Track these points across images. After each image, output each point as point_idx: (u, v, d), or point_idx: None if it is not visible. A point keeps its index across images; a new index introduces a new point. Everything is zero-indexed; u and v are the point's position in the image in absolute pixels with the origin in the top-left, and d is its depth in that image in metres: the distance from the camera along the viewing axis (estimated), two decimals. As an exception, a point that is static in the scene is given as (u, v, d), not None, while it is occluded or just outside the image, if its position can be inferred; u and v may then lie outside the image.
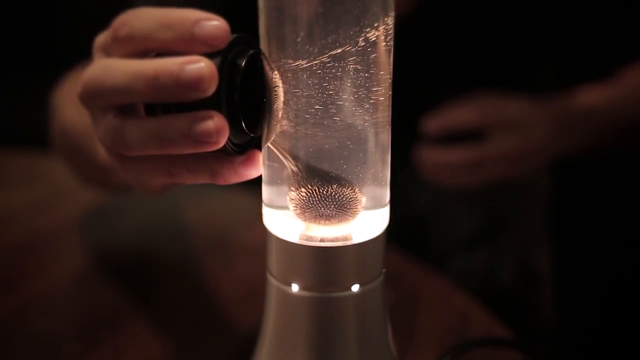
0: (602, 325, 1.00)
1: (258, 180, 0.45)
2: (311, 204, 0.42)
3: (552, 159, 0.86)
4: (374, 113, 0.41)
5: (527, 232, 0.91)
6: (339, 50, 0.39)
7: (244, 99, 0.40)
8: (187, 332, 0.60)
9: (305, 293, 0.43)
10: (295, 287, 0.43)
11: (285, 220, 0.43)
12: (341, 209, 0.42)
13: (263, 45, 0.41)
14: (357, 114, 0.41)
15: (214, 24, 0.39)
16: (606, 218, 1.02)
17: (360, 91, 0.40)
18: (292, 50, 0.39)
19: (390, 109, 0.43)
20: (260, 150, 0.43)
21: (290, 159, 0.42)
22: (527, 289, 0.88)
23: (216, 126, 0.38)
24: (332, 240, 0.42)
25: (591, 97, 0.86)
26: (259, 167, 0.42)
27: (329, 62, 0.39)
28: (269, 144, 0.42)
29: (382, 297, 0.46)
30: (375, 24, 0.40)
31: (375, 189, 0.43)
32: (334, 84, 0.40)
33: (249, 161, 0.42)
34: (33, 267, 0.70)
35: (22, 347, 0.59)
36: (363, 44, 0.40)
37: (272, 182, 0.43)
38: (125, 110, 0.43)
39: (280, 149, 0.42)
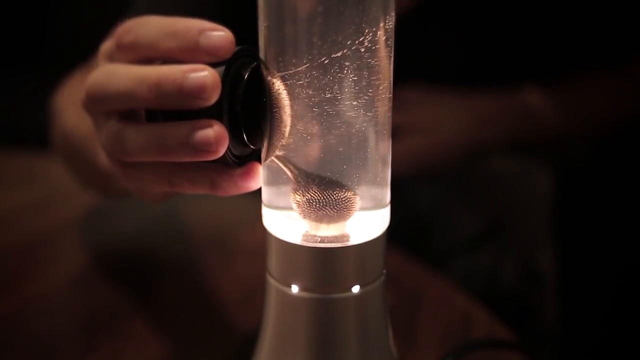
0: (606, 327, 1.00)
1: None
2: (312, 205, 0.42)
3: (471, 152, 0.87)
4: (375, 113, 0.41)
5: (530, 233, 0.90)
6: (339, 53, 0.39)
7: (245, 111, 0.40)
8: (186, 333, 0.60)
9: (305, 294, 0.43)
10: (295, 288, 0.43)
11: (285, 221, 0.43)
12: (341, 209, 0.42)
13: (262, 50, 0.41)
14: (357, 114, 0.41)
15: (219, 34, 0.39)
16: (610, 219, 1.02)
17: (361, 92, 0.40)
18: (292, 52, 0.39)
19: (391, 107, 0.42)
20: (260, 162, 0.43)
21: (292, 168, 0.41)
22: (530, 290, 0.88)
23: (216, 135, 0.38)
24: (332, 241, 0.42)
25: (533, 98, 0.89)
26: (258, 180, 0.42)
27: (328, 65, 0.39)
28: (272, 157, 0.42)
29: (383, 298, 0.45)
30: (375, 26, 0.39)
31: (375, 189, 0.43)
32: (334, 85, 0.39)
33: (249, 174, 0.42)
34: (31, 268, 0.70)
35: (19, 348, 0.58)
36: (363, 45, 0.39)
37: (272, 183, 0.43)
38: (127, 116, 0.43)
39: (281, 158, 0.41)
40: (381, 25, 0.40)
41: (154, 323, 0.61)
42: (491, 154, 0.89)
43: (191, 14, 0.42)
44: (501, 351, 0.57)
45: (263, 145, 0.42)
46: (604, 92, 0.92)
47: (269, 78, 0.40)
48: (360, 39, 0.39)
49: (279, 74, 0.40)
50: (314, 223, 0.42)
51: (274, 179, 0.43)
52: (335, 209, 0.42)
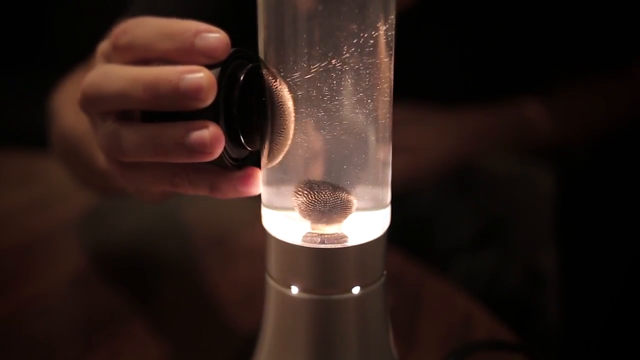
0: (608, 328, 1.00)
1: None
2: (312, 205, 0.41)
3: (455, 167, 0.87)
4: (375, 114, 0.41)
5: (532, 234, 0.90)
6: (340, 56, 0.39)
7: (242, 112, 0.40)
8: (186, 334, 0.59)
9: (305, 295, 0.42)
10: (295, 290, 0.42)
11: (285, 222, 0.43)
12: (341, 209, 0.41)
13: (262, 52, 0.40)
14: (358, 115, 0.40)
15: (215, 36, 0.39)
16: (612, 219, 1.02)
17: (362, 93, 0.40)
18: (292, 55, 0.39)
19: (392, 108, 0.42)
20: (260, 167, 0.42)
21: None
22: (532, 291, 0.88)
23: (211, 136, 0.38)
24: (332, 242, 0.42)
25: (532, 109, 0.89)
26: (257, 186, 0.42)
27: (329, 66, 0.39)
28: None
29: (384, 299, 0.45)
30: (376, 28, 0.39)
31: (376, 189, 0.42)
32: (334, 87, 0.39)
33: (248, 178, 0.42)
34: (29, 269, 0.70)
35: (17, 349, 0.58)
36: (364, 47, 0.39)
37: (272, 183, 0.43)
38: (124, 116, 0.43)
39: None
40: (382, 27, 0.39)
41: (153, 324, 0.61)
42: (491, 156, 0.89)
43: (190, 15, 0.42)
44: (503, 353, 0.57)
45: (263, 149, 0.42)
46: (603, 97, 0.92)
47: (270, 79, 0.40)
48: (361, 42, 0.39)
49: (279, 76, 0.39)
50: (313, 223, 0.42)
51: (274, 179, 0.42)
52: (335, 208, 0.41)
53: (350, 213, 0.42)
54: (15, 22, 1.44)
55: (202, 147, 0.38)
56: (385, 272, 0.45)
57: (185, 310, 0.64)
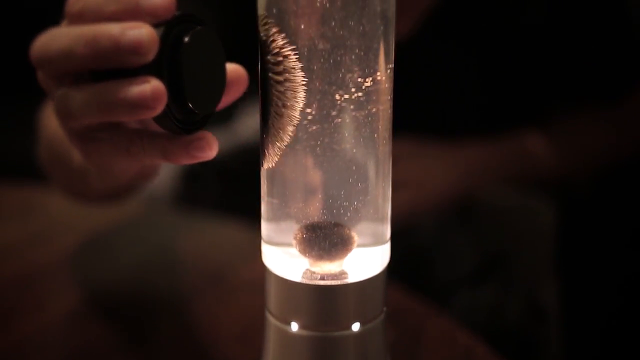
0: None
1: (255, 214, 0.44)
2: (312, 245, 0.41)
3: (456, 201, 0.87)
4: (375, 150, 0.41)
5: (533, 267, 0.90)
6: (339, 96, 0.39)
7: (189, 74, 0.41)
8: (184, 371, 0.59)
9: (305, 332, 0.42)
10: (294, 326, 0.42)
11: (284, 258, 0.42)
12: (341, 247, 0.41)
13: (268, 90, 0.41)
14: (357, 151, 0.40)
15: None
16: (614, 252, 1.01)
17: (360, 129, 0.40)
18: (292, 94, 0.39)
19: (391, 142, 0.42)
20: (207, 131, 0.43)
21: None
22: (534, 327, 0.87)
23: (152, 89, 0.38)
24: (332, 279, 0.41)
25: (533, 142, 0.89)
26: (209, 149, 0.42)
27: (329, 103, 0.39)
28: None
29: (384, 335, 0.45)
30: (376, 71, 0.39)
31: (375, 225, 0.42)
32: (333, 124, 0.40)
33: (199, 142, 0.42)
34: (28, 303, 0.69)
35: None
36: (363, 87, 0.39)
37: (272, 219, 0.43)
38: (77, 82, 0.43)
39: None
40: (382, 69, 0.40)
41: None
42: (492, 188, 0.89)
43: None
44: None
45: (262, 146, 0.42)
46: (604, 129, 0.93)
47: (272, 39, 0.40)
48: (360, 82, 0.39)
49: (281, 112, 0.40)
50: (313, 260, 0.42)
51: (274, 215, 0.42)
52: (335, 247, 0.41)
53: (351, 251, 0.42)
54: (15, 52, 1.44)
55: (143, 101, 0.38)
56: (385, 308, 0.44)
57: (183, 345, 0.63)
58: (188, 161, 0.42)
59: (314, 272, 0.42)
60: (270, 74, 0.40)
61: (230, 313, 0.68)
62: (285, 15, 0.39)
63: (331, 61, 0.39)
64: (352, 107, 0.39)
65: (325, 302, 0.41)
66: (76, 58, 0.40)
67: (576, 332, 0.93)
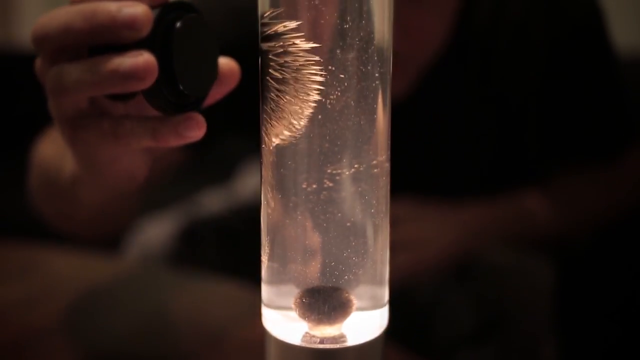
0: None
1: (254, 273, 0.45)
2: (311, 310, 0.41)
3: (455, 262, 0.88)
4: (374, 215, 0.41)
5: (533, 326, 0.89)
6: (338, 171, 0.40)
7: (181, 56, 0.43)
8: None
9: (304, 396, 0.42)
10: (294, 390, 0.42)
11: (284, 321, 0.42)
12: (341, 313, 0.41)
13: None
14: (356, 216, 0.41)
15: None
16: (613, 309, 1.01)
17: (359, 199, 0.41)
18: (292, 177, 0.40)
19: (388, 207, 0.43)
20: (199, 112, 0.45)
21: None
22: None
23: (144, 61, 0.41)
24: (331, 342, 0.41)
25: (532, 202, 0.90)
26: (198, 129, 0.44)
27: (329, 179, 0.40)
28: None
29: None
30: (373, 130, 0.40)
31: (374, 289, 0.43)
32: (332, 195, 0.40)
33: (189, 122, 0.44)
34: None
35: None
36: (360, 168, 0.40)
37: (272, 283, 0.43)
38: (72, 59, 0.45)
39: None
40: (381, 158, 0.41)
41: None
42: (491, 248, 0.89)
43: None
44: None
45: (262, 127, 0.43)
46: (601, 187, 0.93)
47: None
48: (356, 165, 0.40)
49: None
50: (313, 324, 0.42)
51: (275, 279, 0.42)
52: (334, 312, 0.41)
53: (350, 315, 0.42)
54: (13, 107, 1.45)
55: (135, 72, 0.40)
56: (384, 371, 0.44)
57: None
58: (177, 142, 0.44)
59: (313, 336, 0.42)
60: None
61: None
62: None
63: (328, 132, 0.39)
64: (349, 180, 0.40)
65: (324, 365, 0.41)
66: (74, 32, 0.43)
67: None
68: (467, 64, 0.88)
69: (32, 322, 0.78)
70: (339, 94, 0.39)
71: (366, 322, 0.43)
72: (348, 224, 0.41)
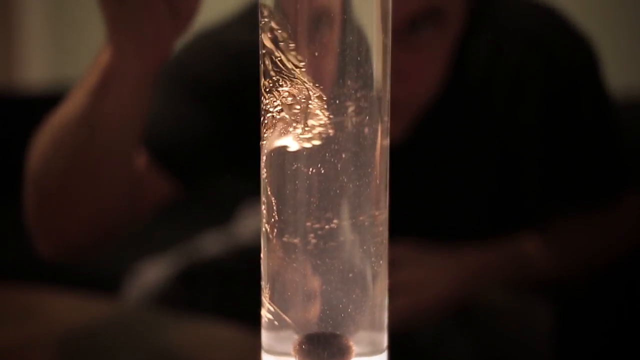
0: None
1: (254, 316, 0.45)
2: (311, 353, 0.41)
3: (454, 306, 0.88)
4: (372, 263, 0.42)
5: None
6: (337, 220, 0.41)
7: None
8: None
9: None
10: None
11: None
12: (340, 357, 0.42)
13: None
14: (355, 263, 0.41)
15: None
16: (613, 351, 1.01)
17: (358, 248, 0.41)
18: (293, 215, 0.41)
19: (387, 254, 0.43)
20: None
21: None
22: None
23: None
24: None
25: (529, 246, 0.91)
26: None
27: (325, 231, 0.41)
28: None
29: None
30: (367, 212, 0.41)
31: (373, 334, 0.43)
32: (331, 246, 0.41)
33: None
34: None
35: None
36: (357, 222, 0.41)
37: (272, 329, 0.43)
38: None
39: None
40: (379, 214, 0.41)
41: None
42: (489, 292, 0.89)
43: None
44: None
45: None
46: (598, 230, 0.94)
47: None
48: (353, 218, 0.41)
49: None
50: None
51: (274, 325, 0.43)
52: (332, 357, 0.41)
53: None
54: (11, 148, 1.46)
55: None
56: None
57: None
58: None
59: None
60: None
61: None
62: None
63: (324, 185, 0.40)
64: (346, 233, 0.41)
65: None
66: None
67: None
68: (463, 109, 0.89)
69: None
70: (337, 143, 0.40)
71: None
72: (347, 271, 0.41)
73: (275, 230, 0.41)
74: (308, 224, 0.41)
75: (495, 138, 0.90)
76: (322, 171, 0.40)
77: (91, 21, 2.21)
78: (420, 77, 0.81)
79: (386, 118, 0.42)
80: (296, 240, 0.41)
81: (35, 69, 2.33)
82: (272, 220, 0.42)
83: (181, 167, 0.84)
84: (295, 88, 0.40)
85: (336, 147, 0.40)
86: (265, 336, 0.43)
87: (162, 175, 0.83)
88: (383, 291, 0.43)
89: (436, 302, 0.85)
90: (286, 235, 0.41)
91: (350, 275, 0.41)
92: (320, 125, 0.40)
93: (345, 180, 0.41)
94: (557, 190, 0.93)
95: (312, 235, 0.41)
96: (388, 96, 0.42)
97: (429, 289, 0.85)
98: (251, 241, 1.05)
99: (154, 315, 0.91)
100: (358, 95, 0.40)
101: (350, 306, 0.41)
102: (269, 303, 0.43)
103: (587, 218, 0.92)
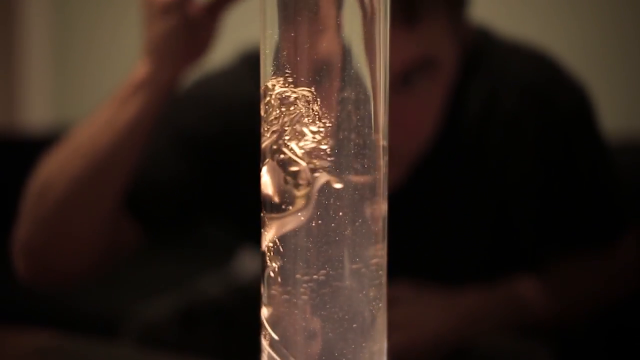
0: None
1: (252, 358, 0.45)
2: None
3: (450, 348, 0.87)
4: (371, 307, 0.43)
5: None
6: (337, 265, 0.41)
7: None
8: None
9: None
10: None
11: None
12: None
13: None
14: (351, 301, 0.42)
15: None
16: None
17: (356, 294, 0.42)
18: (291, 264, 0.42)
19: (386, 298, 0.44)
20: None
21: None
22: None
23: None
24: None
25: (526, 289, 0.91)
26: None
27: (325, 276, 0.41)
28: None
29: None
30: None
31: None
32: (331, 291, 0.42)
33: None
34: None
35: None
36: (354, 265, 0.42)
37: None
38: None
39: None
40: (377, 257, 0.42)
41: None
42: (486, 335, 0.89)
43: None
44: None
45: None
46: (595, 272, 0.94)
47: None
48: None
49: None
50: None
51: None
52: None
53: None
54: (11, 189, 1.46)
55: None
56: None
57: None
58: None
59: None
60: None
61: None
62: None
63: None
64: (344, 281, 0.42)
65: None
66: None
67: None
68: (458, 155, 0.89)
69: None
70: (336, 190, 0.41)
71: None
72: (346, 316, 0.42)
73: (275, 274, 0.42)
74: (307, 269, 0.41)
75: (490, 184, 0.90)
76: (320, 222, 0.41)
77: (92, 65, 2.24)
78: (415, 125, 0.82)
79: (385, 167, 0.43)
80: (295, 285, 0.41)
81: (36, 111, 2.35)
82: (272, 265, 0.42)
83: (143, 212, 0.85)
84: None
85: (335, 196, 0.41)
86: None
87: (126, 219, 0.84)
88: (382, 335, 0.43)
89: (432, 340, 0.85)
90: (286, 280, 0.42)
91: (350, 319, 0.42)
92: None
93: (344, 230, 0.41)
94: (553, 236, 0.93)
95: (311, 280, 0.41)
96: (387, 142, 0.43)
97: (426, 326, 0.85)
98: (251, 282, 1.05)
99: (153, 355, 0.91)
100: (356, 144, 0.41)
101: (350, 349, 0.42)
102: (269, 347, 0.43)
103: (585, 261, 0.93)
